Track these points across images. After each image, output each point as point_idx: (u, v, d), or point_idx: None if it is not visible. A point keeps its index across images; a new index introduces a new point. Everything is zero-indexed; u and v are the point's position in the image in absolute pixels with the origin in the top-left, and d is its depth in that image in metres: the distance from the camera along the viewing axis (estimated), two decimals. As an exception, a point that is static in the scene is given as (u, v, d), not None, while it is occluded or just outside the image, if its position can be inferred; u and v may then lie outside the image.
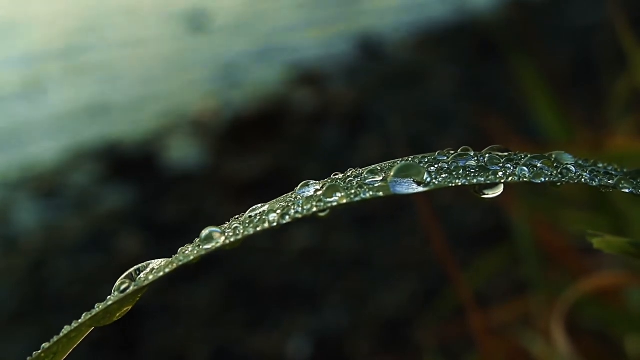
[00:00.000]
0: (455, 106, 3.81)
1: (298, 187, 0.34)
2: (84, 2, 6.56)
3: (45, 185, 3.66)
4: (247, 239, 0.32)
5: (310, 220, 0.32)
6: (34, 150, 4.04)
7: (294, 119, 4.04)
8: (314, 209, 0.32)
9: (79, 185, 3.67)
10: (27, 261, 3.04)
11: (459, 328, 1.68)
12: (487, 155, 0.35)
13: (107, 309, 0.33)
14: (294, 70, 4.65)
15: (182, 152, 3.88)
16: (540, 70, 1.54)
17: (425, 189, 0.32)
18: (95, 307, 0.33)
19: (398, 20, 5.25)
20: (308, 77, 4.55)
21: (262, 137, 3.85)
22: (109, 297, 0.33)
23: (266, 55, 5.05)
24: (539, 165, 0.35)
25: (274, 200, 0.35)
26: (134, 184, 3.58)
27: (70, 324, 0.34)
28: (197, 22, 5.58)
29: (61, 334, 0.33)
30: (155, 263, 0.35)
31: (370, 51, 4.88)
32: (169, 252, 0.37)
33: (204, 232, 0.33)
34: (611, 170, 0.37)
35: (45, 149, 4.02)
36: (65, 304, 2.73)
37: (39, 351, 0.33)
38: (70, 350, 0.34)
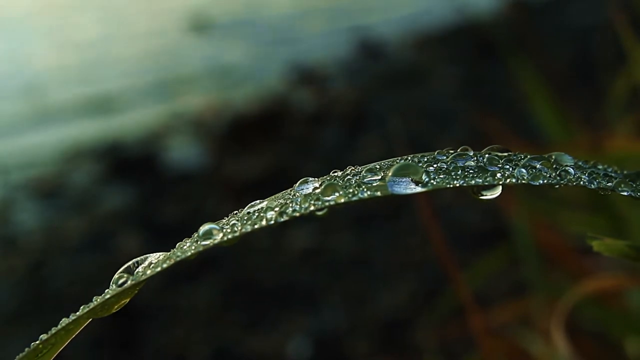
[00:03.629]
0: (455, 106, 3.81)
1: (297, 184, 0.34)
2: (85, 3, 6.56)
3: (46, 185, 3.66)
4: (247, 237, 0.32)
5: (309, 218, 0.32)
6: (34, 149, 4.04)
7: (294, 119, 4.04)
8: (312, 208, 0.32)
9: (79, 185, 3.67)
10: (27, 261, 3.04)
11: (459, 328, 1.68)
12: (486, 156, 0.35)
13: (105, 302, 0.33)
14: (294, 70, 4.65)
15: (183, 152, 3.88)
16: (540, 71, 1.54)
17: (424, 189, 0.32)
18: (93, 300, 0.33)
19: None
20: (308, 77, 4.55)
21: (263, 137, 3.84)
22: (107, 290, 0.34)
23: (266, 54, 5.05)
24: (538, 166, 0.35)
25: (273, 197, 0.34)
26: (134, 184, 3.58)
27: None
28: (198, 22, 5.58)
29: (59, 326, 0.33)
30: (153, 257, 0.35)
31: (370, 51, 4.88)
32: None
33: (202, 228, 0.33)
34: (610, 172, 0.37)
35: (45, 148, 4.02)
36: (65, 304, 2.73)
37: (37, 342, 0.33)
38: (68, 342, 0.34)
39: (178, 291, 2.70)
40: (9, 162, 3.93)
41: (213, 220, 0.34)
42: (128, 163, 3.78)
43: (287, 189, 0.36)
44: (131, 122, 4.23)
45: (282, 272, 2.77)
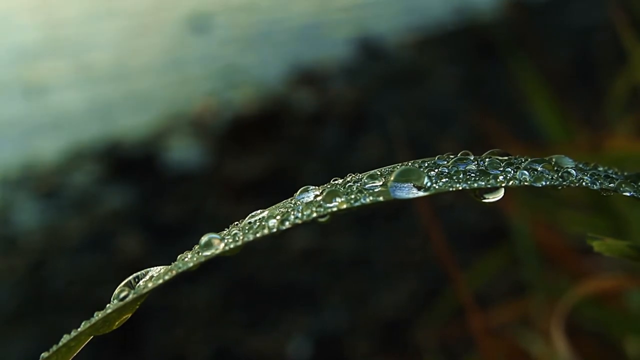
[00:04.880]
0: (455, 106, 3.81)
1: (297, 193, 0.34)
2: (84, 3, 6.56)
3: (45, 185, 3.66)
4: (248, 242, 0.32)
5: (309, 221, 0.32)
6: (34, 149, 4.04)
7: (294, 119, 4.04)
8: (314, 215, 0.31)
9: (79, 185, 3.67)
10: (27, 261, 3.04)
11: (459, 328, 1.68)
12: (487, 159, 0.35)
13: (106, 317, 0.32)
14: (294, 70, 4.65)
15: (183, 152, 3.88)
16: (540, 71, 1.54)
17: (426, 194, 0.32)
18: (95, 315, 0.33)
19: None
20: (308, 77, 4.54)
21: (262, 137, 3.84)
22: (108, 305, 0.33)
23: (266, 54, 5.05)
24: (539, 169, 0.35)
25: (274, 206, 0.34)
26: (134, 184, 3.58)
27: (69, 325, 0.34)
28: (198, 23, 5.58)
29: (60, 344, 0.33)
30: (154, 270, 0.34)
31: (370, 51, 4.88)
32: (169, 252, 0.36)
33: (204, 239, 0.33)
34: (612, 173, 0.37)
35: (46, 148, 4.02)
36: (65, 304, 2.73)
37: None
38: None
39: (178, 291, 2.70)
40: (9, 162, 3.93)
41: (212, 220, 0.34)
42: (128, 163, 3.78)
43: (287, 189, 0.36)
44: (131, 121, 4.23)
45: (283, 272, 2.77)
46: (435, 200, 2.78)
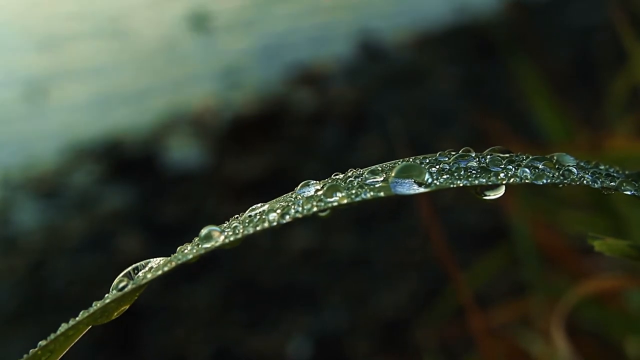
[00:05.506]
0: (455, 106, 3.81)
1: (298, 187, 0.34)
2: (82, 2, 6.56)
3: (46, 185, 3.66)
4: (248, 239, 0.32)
5: (310, 219, 0.32)
6: (35, 149, 4.04)
7: (294, 119, 4.04)
8: (315, 209, 0.31)
9: (79, 185, 3.67)
10: (27, 261, 3.04)
11: (459, 328, 1.68)
12: (488, 157, 0.35)
13: (105, 308, 0.32)
14: (294, 70, 4.65)
15: (183, 152, 3.88)
16: (540, 71, 1.54)
17: (427, 190, 0.32)
18: (93, 305, 0.33)
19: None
20: (308, 77, 4.54)
21: (262, 137, 3.84)
22: (106, 295, 0.33)
23: (266, 54, 5.05)
24: (540, 166, 0.35)
25: (274, 200, 0.34)
26: (135, 184, 3.58)
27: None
28: (197, 22, 5.58)
29: (58, 332, 0.33)
30: (154, 262, 0.34)
31: (370, 51, 4.88)
32: (169, 252, 0.36)
33: (204, 231, 0.33)
34: (613, 172, 0.37)
35: (45, 148, 4.02)
36: (65, 304, 2.73)
37: (36, 349, 0.33)
38: (67, 349, 0.34)
39: (178, 291, 2.70)
40: (9, 161, 3.92)
41: (212, 220, 0.34)
42: (128, 163, 3.78)
43: (287, 189, 0.35)
44: (131, 121, 4.23)
45: (283, 272, 2.77)
46: (436, 200, 2.78)
